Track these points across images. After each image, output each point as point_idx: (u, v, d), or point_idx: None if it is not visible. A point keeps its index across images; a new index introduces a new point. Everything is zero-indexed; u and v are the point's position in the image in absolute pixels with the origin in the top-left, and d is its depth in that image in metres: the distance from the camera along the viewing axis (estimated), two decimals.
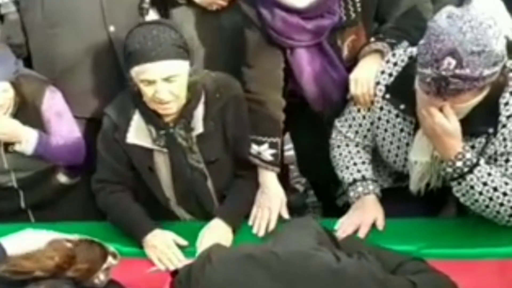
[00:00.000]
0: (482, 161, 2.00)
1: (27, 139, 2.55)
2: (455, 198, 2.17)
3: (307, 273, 1.56)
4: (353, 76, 2.31)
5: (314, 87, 2.44)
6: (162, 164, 2.37)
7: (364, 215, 2.25)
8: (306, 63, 2.40)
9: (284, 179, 2.91)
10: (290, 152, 3.17)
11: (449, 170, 2.01)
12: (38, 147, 2.57)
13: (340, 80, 2.40)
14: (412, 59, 2.14)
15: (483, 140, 2.04)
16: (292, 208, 2.55)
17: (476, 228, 2.14)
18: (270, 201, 2.37)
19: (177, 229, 2.34)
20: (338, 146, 2.40)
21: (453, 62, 1.81)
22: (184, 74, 2.23)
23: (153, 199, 2.44)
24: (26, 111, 2.58)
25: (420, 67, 1.90)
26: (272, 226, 2.32)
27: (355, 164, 2.36)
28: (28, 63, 2.86)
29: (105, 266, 1.74)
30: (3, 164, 2.62)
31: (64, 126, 2.66)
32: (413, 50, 2.16)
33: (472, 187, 2.01)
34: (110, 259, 1.77)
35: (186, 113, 2.29)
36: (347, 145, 2.38)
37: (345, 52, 2.41)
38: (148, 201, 2.44)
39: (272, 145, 2.42)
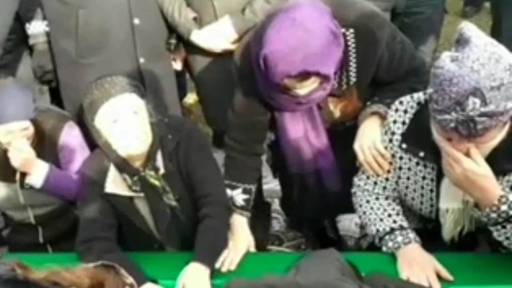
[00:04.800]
0: None
1: (37, 172, 2.53)
2: (486, 238, 2.09)
3: None
4: (357, 145, 2.28)
5: (291, 150, 2.47)
6: (144, 210, 2.38)
7: (425, 271, 2.07)
8: (289, 125, 2.41)
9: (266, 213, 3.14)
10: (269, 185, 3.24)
11: (493, 215, 1.91)
12: (48, 180, 2.54)
13: (318, 148, 2.43)
14: (421, 105, 2.10)
15: (511, 178, 1.97)
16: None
17: (505, 265, 2.06)
18: (236, 244, 2.32)
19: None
20: (368, 201, 2.30)
21: (477, 101, 1.74)
22: (145, 111, 2.30)
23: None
24: (43, 146, 2.59)
25: (439, 114, 1.81)
26: (232, 267, 2.23)
27: (389, 215, 2.25)
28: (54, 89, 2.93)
29: None
30: (19, 200, 2.63)
31: (78, 164, 2.63)
32: (420, 96, 2.12)
33: None
34: None
35: (151, 154, 2.32)
36: (377, 199, 2.29)
37: (337, 114, 2.40)
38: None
39: (245, 191, 2.46)
